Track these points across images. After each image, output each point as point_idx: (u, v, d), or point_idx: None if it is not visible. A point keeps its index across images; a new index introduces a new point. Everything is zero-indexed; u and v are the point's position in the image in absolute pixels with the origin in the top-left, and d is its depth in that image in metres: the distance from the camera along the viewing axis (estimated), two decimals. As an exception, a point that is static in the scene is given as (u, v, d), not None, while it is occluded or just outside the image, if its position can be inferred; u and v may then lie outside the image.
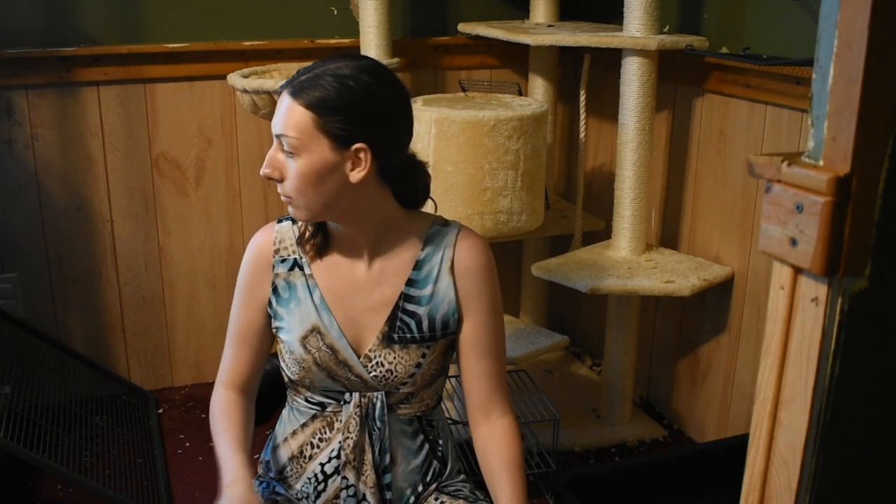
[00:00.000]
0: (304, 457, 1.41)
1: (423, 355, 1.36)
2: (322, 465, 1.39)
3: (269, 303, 1.38)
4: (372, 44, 2.37)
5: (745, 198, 2.19)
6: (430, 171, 1.40)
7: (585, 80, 2.43)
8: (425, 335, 1.36)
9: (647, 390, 2.68)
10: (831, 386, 0.72)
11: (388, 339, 1.35)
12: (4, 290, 2.49)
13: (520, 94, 2.47)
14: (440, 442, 1.46)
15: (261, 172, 1.29)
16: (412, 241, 1.37)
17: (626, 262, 2.29)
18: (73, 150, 2.47)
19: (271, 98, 2.12)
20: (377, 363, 1.35)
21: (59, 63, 2.39)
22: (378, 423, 1.37)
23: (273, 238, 1.39)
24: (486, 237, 1.71)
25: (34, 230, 2.49)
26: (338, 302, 1.36)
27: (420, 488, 1.43)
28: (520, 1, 2.71)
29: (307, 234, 1.37)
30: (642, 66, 2.16)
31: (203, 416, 2.58)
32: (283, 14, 2.56)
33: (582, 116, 2.44)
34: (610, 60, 2.33)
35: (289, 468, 1.43)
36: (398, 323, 1.35)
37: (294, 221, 1.38)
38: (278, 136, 1.25)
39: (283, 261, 1.38)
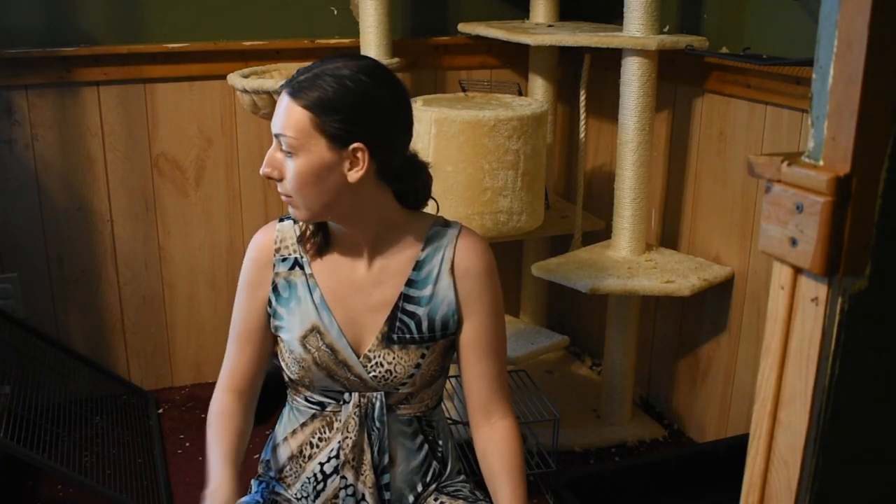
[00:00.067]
0: (304, 456, 1.41)
1: (423, 356, 1.36)
2: (321, 464, 1.39)
3: (269, 302, 1.38)
4: (372, 44, 2.37)
5: (745, 198, 2.19)
6: (431, 171, 1.40)
7: (585, 80, 2.43)
8: (425, 336, 1.36)
9: (647, 390, 2.68)
10: (831, 386, 0.72)
11: (387, 340, 1.35)
12: (4, 290, 2.49)
13: (520, 94, 2.47)
14: (440, 442, 1.45)
15: (260, 172, 1.29)
16: (412, 242, 1.37)
17: (626, 262, 2.29)
18: (73, 150, 2.47)
19: (271, 98, 2.12)
20: (376, 363, 1.35)
21: (59, 63, 2.39)
22: (377, 424, 1.37)
23: (274, 237, 1.39)
24: (486, 237, 1.71)
25: (34, 230, 2.49)
26: (338, 302, 1.36)
27: (419, 489, 1.43)
28: (520, 1, 2.71)
29: (307, 233, 1.37)
30: (642, 66, 2.16)
31: (203, 416, 2.57)
32: (283, 14, 2.56)
33: (582, 116, 2.44)
34: (610, 60, 2.33)
35: (288, 468, 1.43)
36: (397, 323, 1.35)
37: (295, 221, 1.38)
38: (277, 136, 1.26)
39: (284, 260, 1.38)
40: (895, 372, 0.75)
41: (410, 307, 1.36)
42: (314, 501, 1.40)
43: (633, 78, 2.18)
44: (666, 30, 2.35)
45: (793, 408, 0.75)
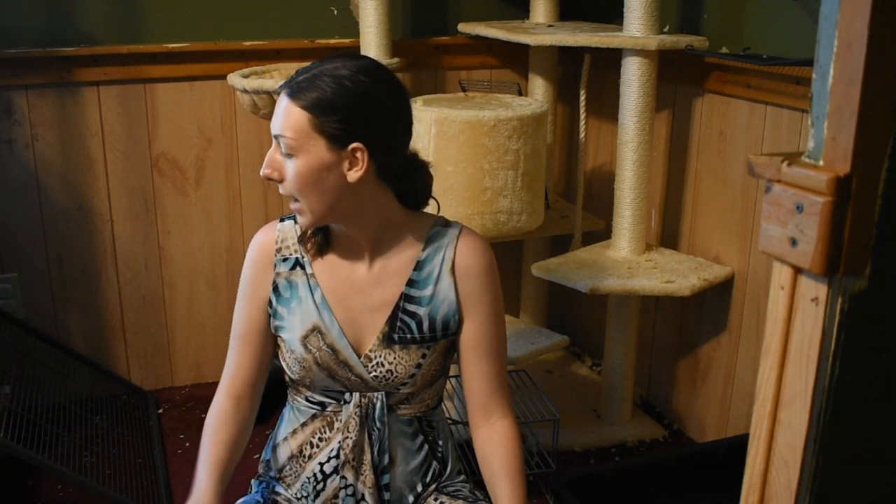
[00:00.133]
0: (304, 456, 1.41)
1: (424, 356, 1.36)
2: (321, 464, 1.39)
3: (270, 302, 1.38)
4: (372, 44, 2.37)
5: (745, 198, 2.19)
6: (431, 170, 1.40)
7: (585, 80, 2.43)
8: (426, 336, 1.36)
9: (647, 390, 2.68)
10: (831, 386, 0.72)
11: (388, 340, 1.35)
12: (4, 290, 2.49)
13: (520, 94, 2.47)
14: (440, 443, 1.45)
15: (261, 173, 1.29)
16: (413, 242, 1.37)
17: (626, 262, 2.29)
18: (73, 150, 2.47)
19: (271, 98, 2.12)
20: (377, 363, 1.35)
21: (59, 63, 2.39)
22: (378, 424, 1.37)
23: (275, 237, 1.39)
24: (486, 237, 1.71)
25: (34, 230, 2.49)
26: (338, 302, 1.36)
27: (419, 489, 1.43)
28: (520, 1, 2.71)
29: (308, 232, 1.37)
30: (642, 66, 2.16)
31: (203, 415, 2.57)
32: (283, 14, 2.56)
33: (582, 116, 2.44)
34: (610, 60, 2.33)
35: (288, 467, 1.43)
36: (398, 323, 1.35)
37: (296, 220, 1.38)
38: (276, 137, 1.26)
39: (285, 260, 1.38)
40: (895, 372, 0.75)
41: (411, 307, 1.36)
42: (314, 501, 1.40)
43: (633, 78, 2.18)
44: (666, 30, 2.35)
45: (793, 408, 0.75)
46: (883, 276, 0.70)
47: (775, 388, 0.76)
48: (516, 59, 2.73)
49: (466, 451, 1.97)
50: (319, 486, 1.40)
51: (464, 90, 2.55)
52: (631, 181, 2.25)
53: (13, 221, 2.47)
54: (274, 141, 1.27)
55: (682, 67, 2.30)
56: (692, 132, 2.35)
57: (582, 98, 2.43)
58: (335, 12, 2.61)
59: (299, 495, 1.42)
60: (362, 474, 1.38)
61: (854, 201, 0.68)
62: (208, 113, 2.56)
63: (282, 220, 1.41)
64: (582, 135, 2.46)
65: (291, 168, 1.25)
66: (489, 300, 1.38)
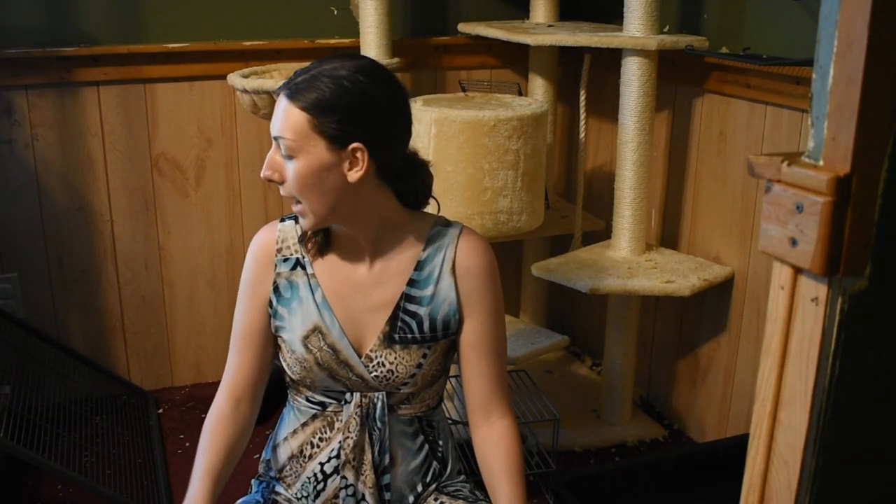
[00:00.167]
0: (304, 456, 1.41)
1: (424, 356, 1.36)
2: (322, 464, 1.39)
3: (270, 302, 1.38)
4: (372, 44, 2.37)
5: (745, 198, 2.19)
6: (431, 170, 1.40)
7: (585, 80, 2.43)
8: (426, 336, 1.36)
9: (647, 390, 2.68)
10: (831, 386, 0.72)
11: (389, 340, 1.35)
12: (4, 290, 2.49)
13: (520, 94, 2.47)
14: (440, 443, 1.45)
15: (261, 175, 1.29)
16: (413, 242, 1.37)
17: (626, 262, 2.29)
18: (73, 150, 2.47)
19: (271, 98, 2.12)
20: (378, 363, 1.35)
21: (59, 63, 2.39)
22: (378, 424, 1.37)
23: (276, 237, 1.39)
24: (486, 237, 1.71)
25: (34, 230, 2.49)
26: (339, 301, 1.36)
27: (420, 489, 1.43)
28: (520, 1, 2.71)
29: (309, 232, 1.37)
30: (642, 66, 2.16)
31: (203, 415, 2.57)
32: (283, 14, 2.56)
33: (582, 116, 2.44)
34: (610, 60, 2.33)
35: (288, 467, 1.43)
36: (399, 323, 1.35)
37: (296, 220, 1.38)
38: (276, 139, 1.26)
39: (286, 260, 1.38)
40: (895, 372, 0.75)
41: (412, 307, 1.36)
42: (314, 501, 1.40)
43: (633, 78, 2.18)
44: (666, 30, 2.35)
45: (793, 408, 0.75)
46: (883, 276, 0.70)
47: (775, 388, 0.76)
48: (516, 59, 2.73)
49: (466, 451, 1.97)
50: (320, 486, 1.40)
51: (464, 90, 2.55)
52: (631, 181, 2.25)
53: (13, 221, 2.47)
54: (274, 142, 1.27)
55: (682, 67, 2.30)
56: (692, 132, 2.35)
57: (582, 98, 2.43)
58: (335, 12, 2.61)
59: (299, 495, 1.42)
60: (363, 474, 1.38)
61: (854, 201, 0.68)
62: (208, 113, 2.56)
63: (282, 220, 1.41)
64: (582, 135, 2.46)
65: (292, 169, 1.25)
66: (489, 300, 1.38)
